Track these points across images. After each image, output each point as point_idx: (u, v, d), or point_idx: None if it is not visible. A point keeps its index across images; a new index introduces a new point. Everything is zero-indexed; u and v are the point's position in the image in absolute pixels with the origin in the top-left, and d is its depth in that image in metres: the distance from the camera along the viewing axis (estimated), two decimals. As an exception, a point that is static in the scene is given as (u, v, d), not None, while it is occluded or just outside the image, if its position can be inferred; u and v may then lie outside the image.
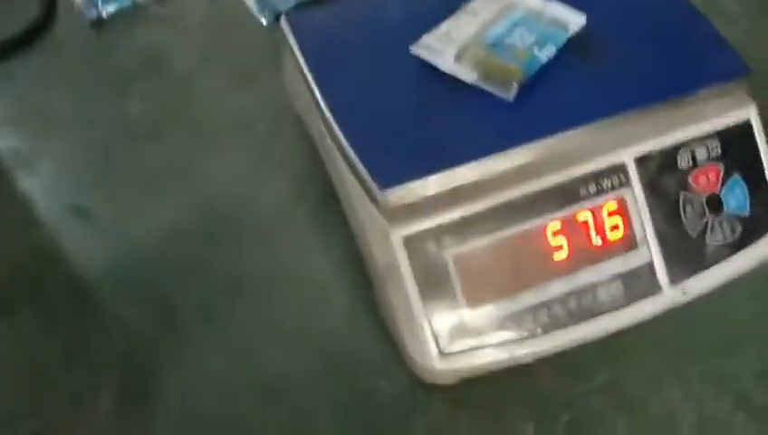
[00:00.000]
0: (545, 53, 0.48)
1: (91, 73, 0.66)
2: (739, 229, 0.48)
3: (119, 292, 0.53)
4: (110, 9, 0.70)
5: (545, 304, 0.45)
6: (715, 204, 0.48)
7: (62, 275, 0.54)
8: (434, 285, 0.44)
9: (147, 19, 0.70)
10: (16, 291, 0.53)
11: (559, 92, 0.47)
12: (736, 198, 0.48)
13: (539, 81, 0.47)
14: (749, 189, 0.48)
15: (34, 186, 0.59)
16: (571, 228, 0.46)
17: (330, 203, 0.54)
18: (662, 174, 0.47)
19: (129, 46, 0.68)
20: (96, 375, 0.49)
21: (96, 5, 0.69)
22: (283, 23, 0.53)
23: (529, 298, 0.45)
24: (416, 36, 0.50)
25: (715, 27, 0.50)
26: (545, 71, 0.47)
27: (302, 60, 0.51)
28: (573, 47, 0.49)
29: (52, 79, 0.66)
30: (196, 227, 0.56)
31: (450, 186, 0.44)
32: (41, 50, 0.68)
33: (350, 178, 0.47)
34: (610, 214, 0.46)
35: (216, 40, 0.68)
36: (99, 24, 0.70)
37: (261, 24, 0.69)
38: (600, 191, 0.46)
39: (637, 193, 0.46)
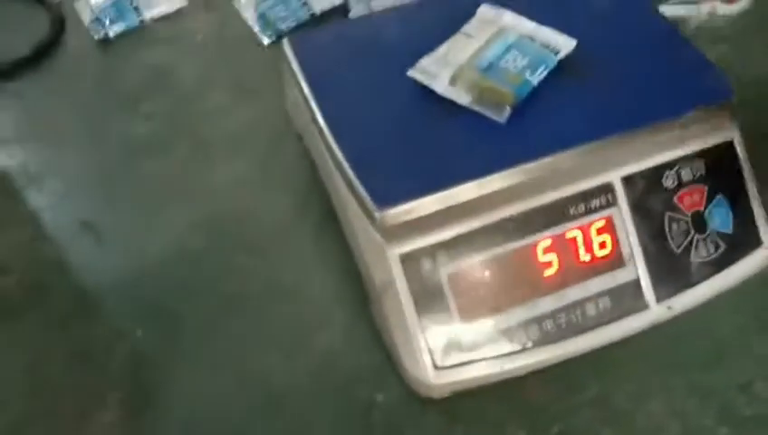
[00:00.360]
0: (537, 77, 0.50)
1: (98, 92, 0.68)
2: (723, 247, 0.50)
3: (122, 306, 0.54)
4: (116, 29, 0.72)
5: (536, 320, 0.47)
6: (699, 223, 0.49)
7: (68, 289, 0.56)
8: (429, 300, 0.46)
9: (152, 38, 0.72)
10: (23, 303, 0.55)
11: (549, 115, 0.48)
12: (720, 216, 0.50)
13: (530, 104, 0.49)
14: (732, 208, 0.50)
15: (42, 202, 0.61)
16: (561, 246, 0.47)
17: (329, 220, 0.56)
18: (648, 194, 0.49)
19: (135, 65, 0.70)
20: (98, 387, 0.51)
21: (103, 25, 0.71)
22: (285, 45, 0.55)
23: (520, 314, 0.47)
24: (413, 58, 0.52)
25: (700, 51, 0.52)
26: (536, 94, 0.49)
27: (302, 81, 0.53)
28: (563, 70, 0.51)
29: (60, 97, 0.68)
30: (198, 243, 0.57)
31: (445, 205, 0.45)
32: (49, 69, 0.70)
33: (348, 197, 0.49)
34: (599, 232, 0.48)
35: (220, 59, 0.70)
36: (106, 43, 0.72)
37: (262, 43, 0.71)
38: (588, 210, 0.48)
39: (624, 212, 0.48)
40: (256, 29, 0.71)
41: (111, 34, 0.71)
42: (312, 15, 0.71)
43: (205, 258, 0.56)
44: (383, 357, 0.50)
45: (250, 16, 0.72)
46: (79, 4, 0.75)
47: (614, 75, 0.50)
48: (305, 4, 0.71)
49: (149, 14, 0.73)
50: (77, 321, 0.54)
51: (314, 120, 0.51)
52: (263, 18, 0.71)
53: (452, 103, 0.49)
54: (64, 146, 0.64)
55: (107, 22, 0.71)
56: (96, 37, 0.72)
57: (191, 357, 0.52)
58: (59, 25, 0.73)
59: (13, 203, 0.61)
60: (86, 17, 0.73)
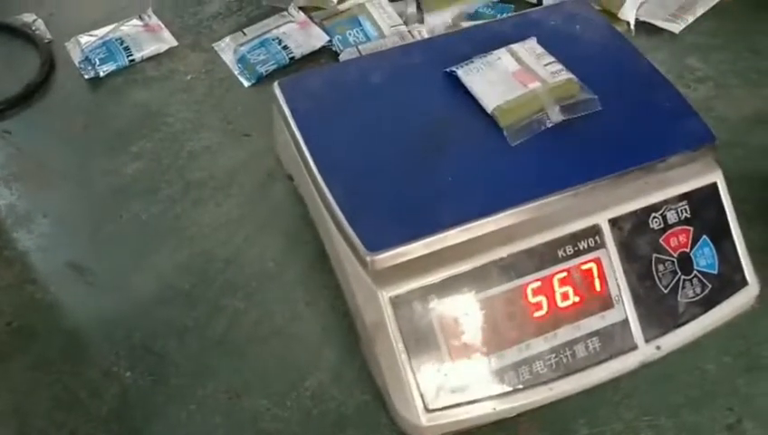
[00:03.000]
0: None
1: (87, 131, 0.68)
2: (709, 287, 0.51)
3: (110, 348, 0.54)
4: (106, 68, 0.72)
5: (527, 361, 0.47)
6: (686, 264, 0.50)
7: (56, 330, 0.55)
8: (420, 342, 0.46)
9: (142, 79, 0.72)
10: (10, 344, 0.55)
11: (537, 160, 0.49)
12: (706, 257, 0.51)
13: (518, 149, 0.50)
14: (717, 249, 0.51)
15: (30, 243, 0.60)
16: (550, 288, 0.48)
17: (318, 259, 0.56)
18: (635, 236, 0.49)
19: (124, 105, 0.70)
20: (86, 430, 0.50)
21: (93, 65, 0.72)
22: (276, 87, 0.56)
23: (511, 355, 0.47)
24: (403, 101, 0.53)
25: (682, 95, 0.53)
26: (525, 140, 0.50)
27: (293, 123, 0.53)
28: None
29: (50, 136, 0.69)
30: (186, 284, 0.57)
31: (435, 249, 0.46)
32: (39, 108, 0.70)
33: (338, 239, 0.49)
34: (587, 274, 0.49)
35: (209, 99, 0.71)
36: (96, 82, 0.72)
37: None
38: (576, 252, 0.48)
39: (612, 254, 0.49)
40: (236, 71, 0.72)
41: (102, 74, 0.72)
42: (292, 59, 0.72)
43: (193, 299, 0.56)
44: (373, 398, 0.50)
45: (229, 59, 0.73)
46: (69, 44, 0.75)
47: (599, 120, 0.51)
48: (285, 47, 0.72)
49: (139, 54, 0.73)
50: (65, 363, 0.53)
51: (305, 163, 0.51)
52: (242, 61, 0.72)
53: (442, 147, 0.50)
54: (53, 186, 0.64)
55: (97, 62, 0.72)
56: (86, 77, 0.72)
57: (179, 399, 0.51)
58: (49, 65, 0.73)
59: (0, 244, 0.60)
60: (76, 57, 0.74)
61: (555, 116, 0.50)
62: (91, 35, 0.75)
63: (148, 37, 0.75)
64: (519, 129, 0.50)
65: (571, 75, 0.52)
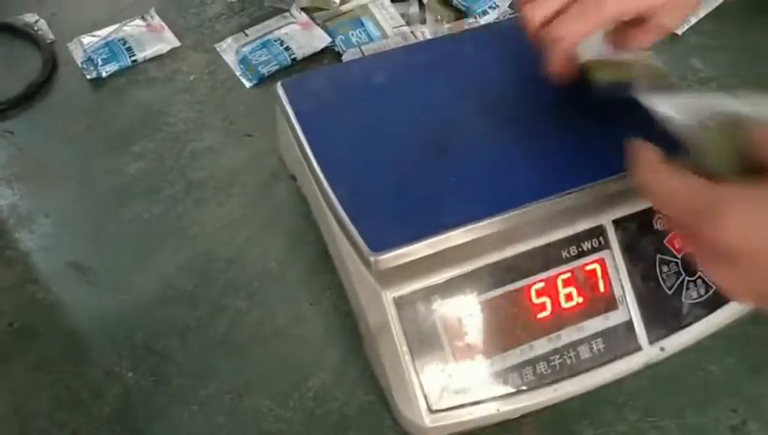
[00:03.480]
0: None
1: (89, 131, 0.68)
2: (713, 289, 0.51)
3: (112, 348, 0.54)
4: (109, 69, 0.72)
5: (531, 362, 0.47)
6: (690, 265, 0.50)
7: (58, 331, 0.55)
8: (423, 343, 0.46)
9: (145, 79, 0.72)
10: (12, 345, 0.54)
11: (542, 161, 0.49)
12: (710, 258, 0.50)
13: (522, 148, 0.50)
14: (721, 250, 0.51)
15: (32, 243, 0.60)
16: (554, 289, 0.48)
17: (321, 259, 0.56)
18: (639, 237, 0.49)
19: (127, 105, 0.70)
20: (88, 430, 0.50)
21: (96, 65, 0.72)
22: (279, 88, 0.56)
23: (515, 356, 0.47)
24: (405, 101, 0.53)
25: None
26: (527, 139, 0.50)
27: (296, 124, 0.53)
28: (550, 115, 0.52)
29: (52, 137, 0.68)
30: (188, 284, 0.57)
31: (439, 249, 0.46)
32: (41, 108, 0.70)
33: (342, 240, 0.49)
34: (591, 275, 0.49)
35: (212, 99, 0.70)
36: (98, 83, 0.72)
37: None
38: (580, 253, 0.48)
39: (616, 255, 0.49)
40: (238, 72, 0.72)
41: (104, 74, 0.72)
42: (294, 60, 0.72)
43: (195, 299, 0.56)
44: (377, 399, 0.50)
45: (231, 60, 0.73)
46: (72, 45, 0.75)
47: (603, 120, 0.51)
48: (287, 48, 0.72)
49: (142, 54, 0.73)
50: (66, 363, 0.53)
51: (308, 164, 0.51)
52: (244, 62, 0.72)
53: (446, 147, 0.50)
54: (55, 186, 0.64)
55: (99, 62, 0.72)
56: (88, 77, 0.72)
57: (181, 399, 0.51)
58: (51, 65, 0.73)
59: (2, 244, 0.60)
60: (79, 57, 0.73)
61: (642, 89, 0.48)
62: (93, 36, 0.75)
63: (151, 38, 0.75)
64: (607, 86, 0.49)
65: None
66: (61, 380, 0.52)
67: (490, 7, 0.74)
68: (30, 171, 0.65)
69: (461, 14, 0.75)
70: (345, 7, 0.76)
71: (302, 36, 0.73)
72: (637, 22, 0.49)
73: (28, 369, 0.53)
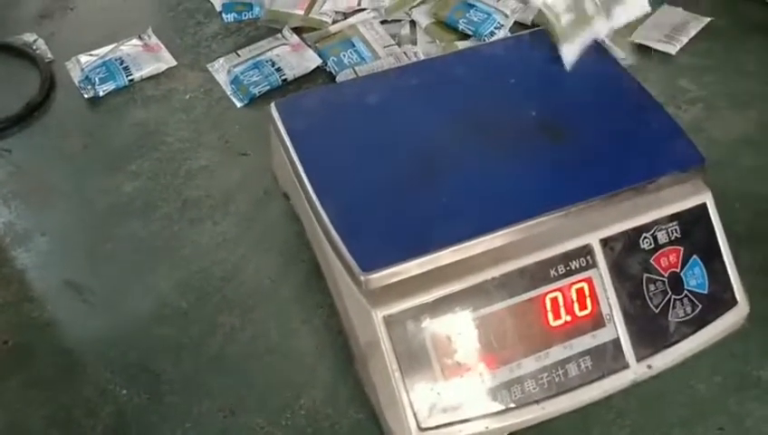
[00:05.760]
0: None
1: (86, 150, 0.69)
2: (700, 307, 0.51)
3: (107, 366, 0.54)
4: (106, 88, 0.73)
5: (519, 380, 0.48)
6: (676, 283, 0.51)
7: (52, 349, 0.56)
8: (413, 361, 0.47)
9: (141, 98, 0.73)
10: (5, 362, 0.55)
11: (530, 181, 0.50)
12: (696, 277, 0.51)
13: (509, 168, 0.51)
14: (707, 269, 0.52)
15: (28, 261, 0.61)
16: (542, 307, 0.48)
17: (314, 277, 0.57)
18: (626, 256, 0.50)
19: (123, 124, 0.71)
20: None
21: (93, 84, 0.73)
22: (272, 108, 0.57)
23: (504, 374, 0.48)
24: (397, 121, 0.54)
25: (673, 119, 0.54)
26: (515, 159, 0.51)
27: (288, 143, 0.54)
28: (541, 135, 0.53)
29: (49, 155, 0.69)
30: (183, 302, 0.58)
31: (428, 268, 0.46)
32: (39, 127, 0.71)
33: (333, 258, 0.50)
34: (579, 293, 0.49)
35: (207, 118, 0.71)
36: (95, 102, 0.73)
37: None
38: (568, 272, 0.49)
39: (603, 273, 0.50)
40: (229, 92, 0.73)
41: (101, 93, 0.73)
42: (285, 81, 0.73)
43: (190, 317, 0.57)
44: (367, 417, 0.51)
45: (223, 80, 0.74)
46: (70, 64, 0.76)
47: (591, 140, 0.52)
48: (278, 69, 0.73)
49: (138, 73, 0.74)
50: (60, 381, 0.54)
51: (300, 183, 0.52)
52: (236, 82, 0.73)
53: (436, 166, 0.51)
54: (51, 204, 0.65)
55: (97, 81, 0.73)
56: (86, 96, 0.73)
57: (174, 417, 0.52)
58: (50, 84, 0.74)
59: (-1, 261, 0.61)
60: (76, 76, 0.75)
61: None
62: (91, 55, 0.76)
63: (148, 57, 0.76)
64: None
65: None
66: (54, 398, 0.53)
67: (496, 28, 0.75)
68: (27, 190, 0.66)
69: (465, 36, 0.76)
70: (334, 28, 0.78)
71: (293, 57, 0.74)
72: None
73: (22, 387, 0.53)
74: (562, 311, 0.49)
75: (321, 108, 0.57)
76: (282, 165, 0.57)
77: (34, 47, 0.78)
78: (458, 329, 0.47)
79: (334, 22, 0.79)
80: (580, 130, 0.53)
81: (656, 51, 0.75)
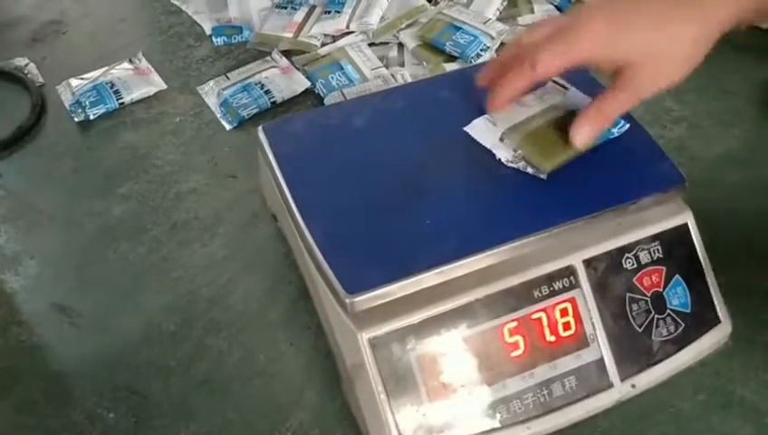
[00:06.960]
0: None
1: (76, 173, 0.70)
2: (683, 326, 0.52)
3: (95, 389, 0.55)
4: (96, 111, 0.73)
5: (504, 400, 0.48)
6: (659, 303, 0.51)
7: (40, 372, 0.56)
8: (399, 383, 0.47)
9: (131, 121, 0.74)
10: (-6, 385, 0.55)
11: (513, 203, 0.51)
12: (679, 296, 0.52)
13: (496, 191, 0.51)
14: (690, 288, 0.52)
15: (17, 285, 0.61)
16: (527, 328, 0.49)
17: (302, 298, 0.57)
18: (609, 276, 0.51)
19: (113, 147, 0.72)
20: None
21: (84, 108, 0.73)
22: (260, 131, 0.57)
23: (489, 394, 0.48)
24: (383, 144, 0.55)
25: (654, 141, 0.55)
26: (500, 182, 0.52)
27: (276, 167, 0.55)
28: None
29: (39, 178, 0.70)
30: (171, 324, 0.58)
31: (413, 290, 0.47)
32: (29, 150, 0.72)
33: (319, 280, 0.50)
34: (563, 314, 0.50)
35: (197, 141, 0.72)
36: (86, 125, 0.73)
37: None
38: (552, 293, 0.50)
39: (587, 294, 0.50)
40: (219, 115, 0.74)
41: (92, 117, 0.73)
42: (274, 103, 0.74)
43: (177, 340, 0.57)
44: (355, 439, 0.51)
45: (212, 103, 0.75)
46: (60, 87, 0.77)
47: (573, 162, 0.53)
48: (267, 91, 0.74)
49: (129, 97, 0.75)
50: (48, 405, 0.54)
51: (287, 206, 0.53)
52: (225, 105, 0.73)
53: (420, 191, 0.52)
54: (41, 227, 0.65)
55: (87, 105, 0.73)
56: (76, 120, 0.73)
57: (163, 441, 0.52)
58: (40, 108, 0.75)
59: (-13, 284, 0.61)
60: (67, 100, 0.75)
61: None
62: (82, 79, 0.77)
63: (138, 80, 0.77)
64: None
65: None
66: (42, 422, 0.53)
67: (482, 50, 0.76)
68: (17, 213, 0.66)
69: (450, 58, 0.77)
70: (323, 50, 0.79)
71: (282, 80, 0.75)
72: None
73: (10, 411, 0.54)
74: (547, 331, 0.49)
75: (307, 132, 0.58)
76: (269, 187, 0.57)
77: (26, 71, 0.79)
78: (443, 350, 0.48)
79: (323, 45, 0.80)
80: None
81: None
